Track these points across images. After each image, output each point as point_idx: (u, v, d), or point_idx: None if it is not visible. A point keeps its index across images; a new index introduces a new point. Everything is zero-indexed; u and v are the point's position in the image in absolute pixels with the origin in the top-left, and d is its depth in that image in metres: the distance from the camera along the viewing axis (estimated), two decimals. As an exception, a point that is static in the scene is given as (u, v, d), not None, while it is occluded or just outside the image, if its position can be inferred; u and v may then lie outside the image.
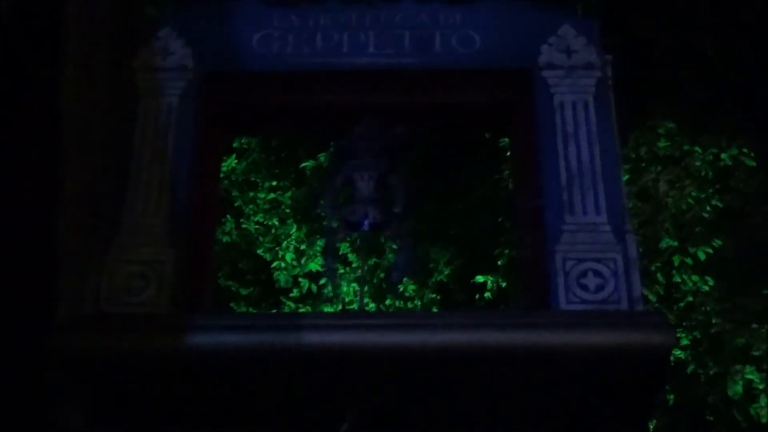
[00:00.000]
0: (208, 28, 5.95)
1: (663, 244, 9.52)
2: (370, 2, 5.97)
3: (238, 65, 5.89)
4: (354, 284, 9.90)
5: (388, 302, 10.03)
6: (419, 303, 10.18)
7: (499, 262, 9.99)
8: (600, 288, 5.12)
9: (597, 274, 5.14)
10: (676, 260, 9.51)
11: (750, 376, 9.20)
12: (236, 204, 11.15)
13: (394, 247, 5.86)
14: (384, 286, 10.06)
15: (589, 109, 5.59)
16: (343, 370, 4.92)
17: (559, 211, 5.34)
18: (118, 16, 5.92)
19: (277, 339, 4.92)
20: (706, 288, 9.54)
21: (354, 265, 9.90)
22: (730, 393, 9.21)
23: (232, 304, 10.82)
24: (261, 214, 10.96)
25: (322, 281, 10.46)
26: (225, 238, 10.86)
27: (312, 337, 4.89)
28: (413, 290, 10.22)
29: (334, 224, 5.87)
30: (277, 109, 6.26)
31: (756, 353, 9.23)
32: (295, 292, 10.60)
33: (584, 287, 5.12)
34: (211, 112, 5.91)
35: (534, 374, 4.92)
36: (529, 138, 5.68)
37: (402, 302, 10.14)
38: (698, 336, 9.48)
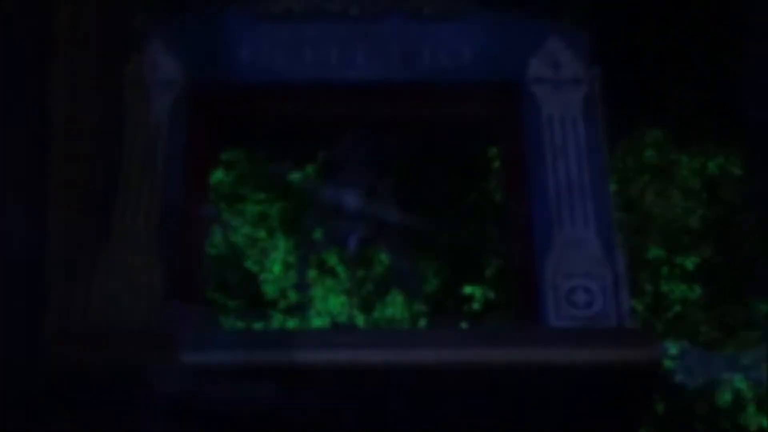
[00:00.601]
0: (198, 41, 5.96)
1: (650, 254, 9.55)
2: (359, 16, 5.98)
3: (227, 78, 5.90)
4: (342, 297, 9.90)
5: (376, 314, 10.04)
6: (407, 314, 10.18)
7: (486, 273, 10.00)
8: (589, 304, 5.13)
9: (586, 290, 5.15)
10: (664, 270, 9.54)
11: (738, 385, 9.23)
12: (224, 216, 11.13)
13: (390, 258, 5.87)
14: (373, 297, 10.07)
15: (578, 123, 5.61)
16: (332, 387, 4.92)
17: (548, 225, 5.35)
18: (107, 29, 5.91)
19: (267, 356, 4.93)
20: (694, 297, 9.57)
21: (342, 277, 9.91)
22: (718, 402, 9.24)
23: (219, 317, 10.80)
24: (248, 227, 10.96)
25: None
26: (212, 251, 10.83)
27: (302, 355, 4.90)
28: (401, 302, 10.22)
29: (315, 237, 5.89)
30: (266, 121, 6.27)
31: (744, 362, 9.26)
32: (283, 304, 10.59)
33: (573, 303, 5.12)
34: (201, 125, 5.91)
35: (523, 391, 4.92)
36: (518, 152, 5.69)
37: (393, 312, 10.15)
38: (686, 345, 9.50)
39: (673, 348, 9.38)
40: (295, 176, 10.77)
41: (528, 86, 5.72)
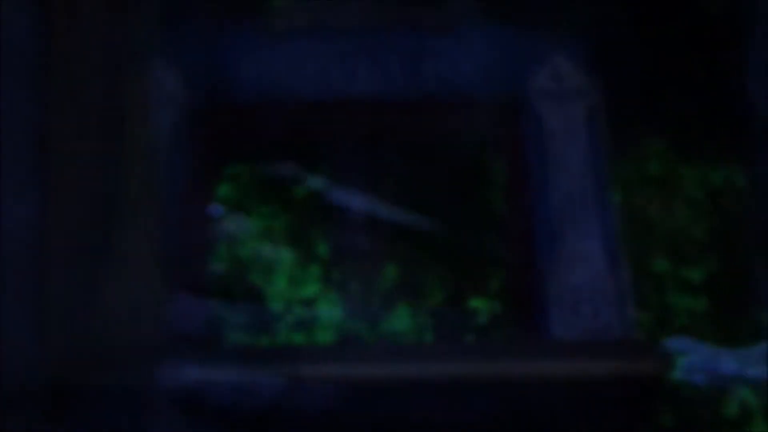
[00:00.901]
0: (199, 58, 5.97)
1: (655, 266, 9.54)
2: (361, 31, 6.00)
3: (229, 95, 5.91)
4: (347, 310, 9.90)
5: (381, 328, 10.03)
6: (413, 328, 10.16)
7: (491, 286, 9.99)
8: (594, 316, 5.13)
9: (590, 302, 5.16)
10: (669, 282, 9.53)
11: (745, 396, 9.20)
12: (229, 229, 11.13)
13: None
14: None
15: (580, 135, 5.62)
16: (336, 401, 4.92)
17: (551, 238, 5.36)
18: (108, 45, 5.92)
19: (272, 370, 4.92)
20: (700, 309, 9.56)
21: (347, 290, 9.90)
22: (725, 413, 9.21)
23: (224, 332, 10.79)
24: (254, 241, 10.96)
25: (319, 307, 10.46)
26: (217, 266, 10.84)
27: (307, 369, 4.90)
28: (407, 315, 10.21)
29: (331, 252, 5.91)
30: (268, 138, 6.29)
31: (750, 373, 9.23)
32: (288, 319, 10.58)
33: (578, 315, 5.13)
34: (203, 142, 5.92)
35: (529, 404, 4.92)
36: (521, 164, 5.70)
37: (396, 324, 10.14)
38: (692, 355, 9.48)
39: (678, 357, 9.35)
40: (299, 190, 10.80)
41: (530, 98, 5.73)
